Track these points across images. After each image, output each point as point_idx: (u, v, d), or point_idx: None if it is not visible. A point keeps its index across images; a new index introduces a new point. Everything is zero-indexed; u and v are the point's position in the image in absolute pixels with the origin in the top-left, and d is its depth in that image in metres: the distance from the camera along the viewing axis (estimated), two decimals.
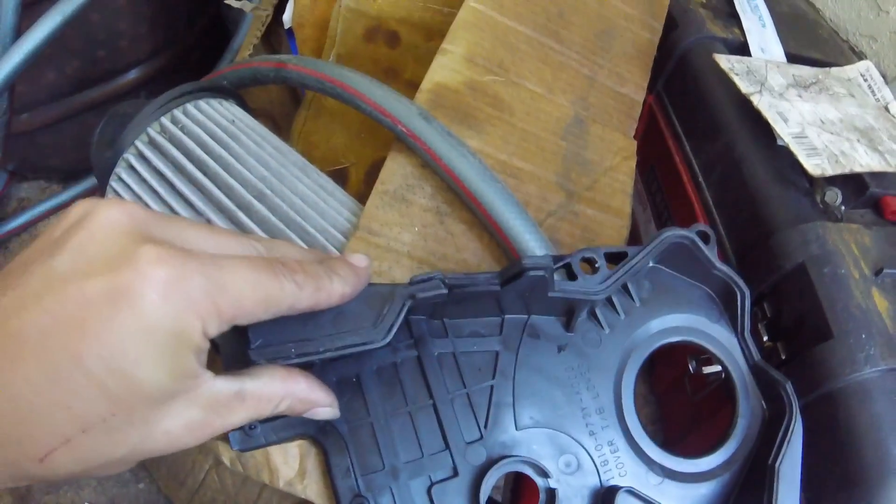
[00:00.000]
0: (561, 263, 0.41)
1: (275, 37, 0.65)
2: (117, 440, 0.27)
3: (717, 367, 0.50)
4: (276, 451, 0.39)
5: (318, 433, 0.39)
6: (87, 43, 0.64)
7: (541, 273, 0.37)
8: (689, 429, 0.60)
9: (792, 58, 0.62)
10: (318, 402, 0.35)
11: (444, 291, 0.37)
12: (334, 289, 0.33)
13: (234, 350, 0.40)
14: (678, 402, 0.62)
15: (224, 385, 0.31)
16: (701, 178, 0.58)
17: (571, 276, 0.41)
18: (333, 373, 0.40)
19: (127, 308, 0.25)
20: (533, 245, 0.43)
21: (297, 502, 0.48)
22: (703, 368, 0.52)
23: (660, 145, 0.63)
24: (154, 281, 0.26)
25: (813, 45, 0.66)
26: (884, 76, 0.66)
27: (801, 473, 0.45)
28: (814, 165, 0.51)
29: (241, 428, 0.38)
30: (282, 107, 0.65)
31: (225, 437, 0.41)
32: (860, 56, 0.72)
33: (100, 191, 0.53)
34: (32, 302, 0.25)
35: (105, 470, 0.29)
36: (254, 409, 0.32)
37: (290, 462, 0.39)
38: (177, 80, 0.50)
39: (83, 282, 0.25)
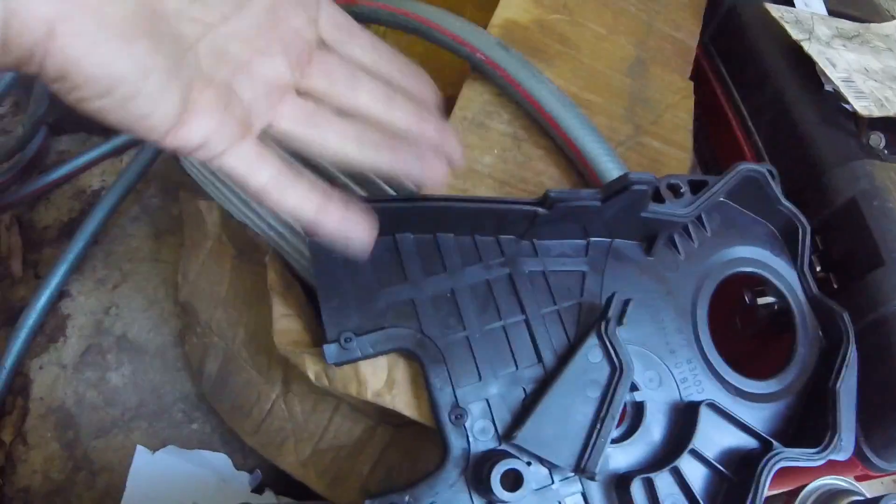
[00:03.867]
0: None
1: None
2: None
3: (771, 299, 0.51)
4: (364, 363, 0.39)
5: (415, 346, 0.39)
6: None
7: (644, 188, 0.38)
8: (736, 366, 0.61)
9: (832, 13, 0.63)
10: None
11: None
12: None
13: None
14: (725, 342, 0.63)
15: None
16: (750, 124, 0.58)
17: (658, 200, 0.41)
18: (430, 288, 0.40)
19: None
20: (611, 167, 0.43)
21: (368, 427, 0.48)
22: (758, 299, 0.53)
23: (707, 95, 0.64)
24: None
25: (850, 3, 0.67)
26: None
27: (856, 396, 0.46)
28: (862, 107, 0.52)
29: (337, 341, 0.38)
30: None
31: (314, 351, 0.41)
32: (893, 17, 0.74)
33: None
34: None
35: None
36: None
37: (378, 373, 0.39)
38: None
39: None
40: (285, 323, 0.43)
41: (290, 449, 0.49)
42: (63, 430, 0.61)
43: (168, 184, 0.69)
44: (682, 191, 0.42)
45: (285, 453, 0.49)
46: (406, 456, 0.46)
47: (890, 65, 0.61)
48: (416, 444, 0.46)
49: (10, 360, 0.61)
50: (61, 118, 0.71)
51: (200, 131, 0.27)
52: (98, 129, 0.73)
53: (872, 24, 0.64)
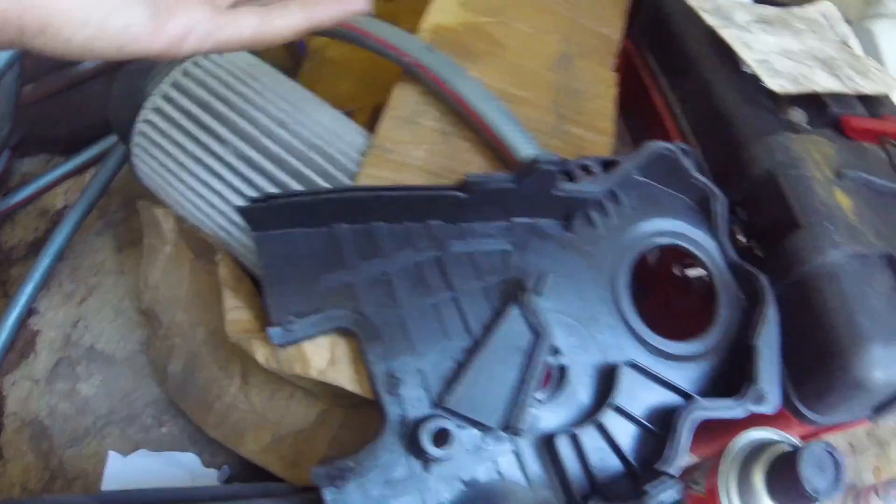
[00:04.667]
0: (563, 167, 0.48)
1: None
2: None
3: (702, 271, 0.57)
4: (307, 344, 0.45)
5: (353, 324, 0.45)
6: None
7: (551, 167, 0.44)
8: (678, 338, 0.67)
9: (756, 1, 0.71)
10: None
11: None
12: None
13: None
14: (664, 317, 0.69)
15: None
16: (678, 110, 0.65)
17: (571, 178, 0.48)
18: (365, 271, 0.46)
19: None
20: (531, 154, 0.50)
21: (322, 411, 0.53)
22: (687, 271, 0.59)
23: (639, 88, 0.70)
24: None
25: None
26: (849, 22, 0.75)
27: (783, 353, 0.52)
28: (776, 84, 0.59)
29: (282, 325, 0.44)
30: (283, 65, 0.71)
31: (262, 336, 0.47)
32: None
33: (121, 136, 0.58)
34: None
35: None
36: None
37: (321, 353, 0.45)
38: None
39: None
40: (236, 314, 0.49)
41: (251, 438, 0.55)
42: (38, 441, 0.67)
43: (129, 198, 0.75)
44: (593, 170, 0.48)
45: (247, 442, 0.55)
46: (357, 435, 0.52)
47: (810, 45, 0.67)
48: (366, 423, 0.51)
49: None
50: (24, 141, 0.77)
51: (182, 21, 0.33)
52: (59, 149, 0.79)
53: (795, 8, 0.71)
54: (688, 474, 0.57)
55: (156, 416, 0.66)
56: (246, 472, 0.62)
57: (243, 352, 0.52)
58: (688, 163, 0.52)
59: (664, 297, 0.68)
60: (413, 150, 0.51)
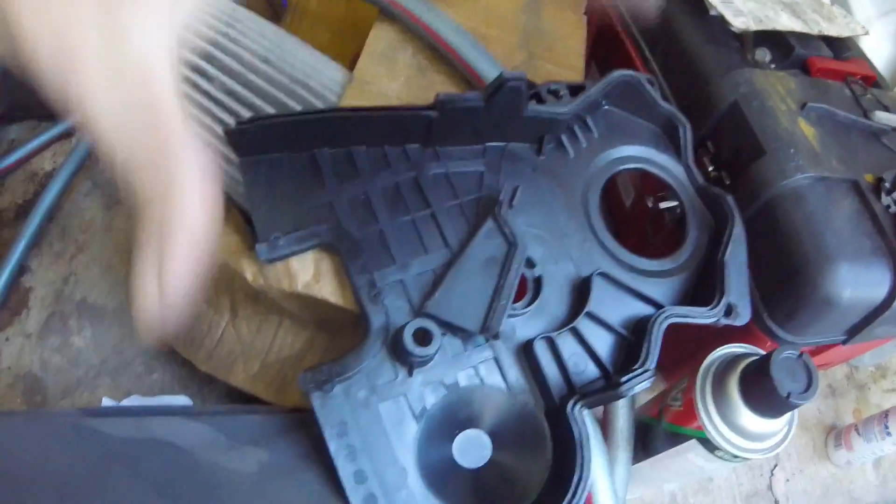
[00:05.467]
0: (532, 91, 0.52)
1: None
2: None
3: (674, 202, 0.61)
4: (293, 260, 0.49)
5: (335, 239, 0.49)
6: None
7: (517, 84, 0.48)
8: None
9: None
10: None
11: None
12: None
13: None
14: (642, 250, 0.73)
15: None
16: (648, 53, 0.70)
17: (540, 102, 0.52)
18: (346, 192, 0.50)
19: None
20: None
21: (308, 338, 0.57)
22: (660, 204, 0.63)
23: (612, 37, 0.75)
24: None
25: None
26: None
27: (754, 272, 0.56)
28: (739, 22, 0.63)
29: (268, 241, 0.48)
30: (263, 16, 0.75)
31: (250, 255, 0.50)
32: None
33: None
34: None
35: None
36: None
37: (306, 268, 0.49)
38: None
39: None
40: (225, 239, 0.52)
41: (241, 367, 0.58)
42: (31, 394, 0.70)
43: None
44: (561, 94, 0.52)
45: (236, 372, 0.58)
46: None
47: None
48: (349, 346, 0.55)
49: None
50: (10, 108, 0.81)
51: None
52: (46, 114, 0.83)
53: None
54: (666, 394, 0.61)
55: (146, 363, 0.69)
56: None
57: (231, 283, 0.56)
58: (653, 91, 0.56)
59: (642, 235, 0.72)
60: (389, 83, 0.55)
